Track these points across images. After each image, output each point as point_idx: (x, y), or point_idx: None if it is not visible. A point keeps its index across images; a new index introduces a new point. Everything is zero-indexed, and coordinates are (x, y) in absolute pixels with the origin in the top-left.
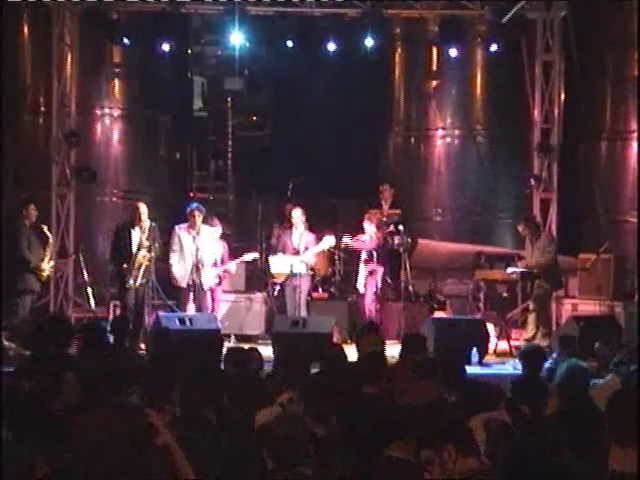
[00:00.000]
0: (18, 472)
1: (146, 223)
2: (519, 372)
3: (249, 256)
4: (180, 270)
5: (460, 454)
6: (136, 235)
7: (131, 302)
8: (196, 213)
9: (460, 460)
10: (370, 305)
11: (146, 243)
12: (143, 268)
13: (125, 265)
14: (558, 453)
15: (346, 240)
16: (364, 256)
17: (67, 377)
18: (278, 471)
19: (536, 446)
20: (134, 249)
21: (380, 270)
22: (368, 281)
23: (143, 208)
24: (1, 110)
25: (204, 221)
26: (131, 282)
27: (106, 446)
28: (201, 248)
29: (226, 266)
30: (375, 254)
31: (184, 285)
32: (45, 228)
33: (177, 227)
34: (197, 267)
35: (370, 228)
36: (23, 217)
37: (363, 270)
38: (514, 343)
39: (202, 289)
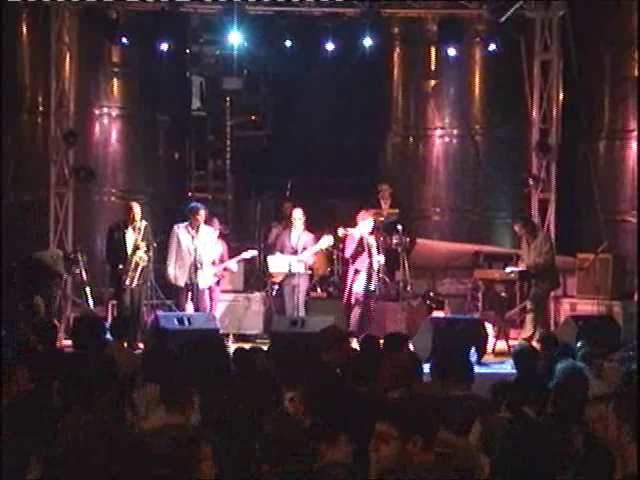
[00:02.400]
0: (13, 471)
1: (139, 223)
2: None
3: (248, 253)
4: (177, 269)
5: (423, 449)
6: (130, 235)
7: (127, 302)
8: (201, 212)
9: (420, 454)
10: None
11: (142, 243)
12: (140, 269)
13: (121, 265)
14: (559, 454)
15: (341, 232)
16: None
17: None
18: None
19: (537, 446)
20: (129, 249)
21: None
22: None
23: (137, 208)
24: (0, 110)
25: (205, 221)
26: (128, 282)
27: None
28: (200, 247)
29: (226, 264)
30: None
31: (182, 284)
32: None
33: (176, 226)
34: (195, 267)
35: (365, 222)
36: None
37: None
38: (512, 343)
39: (199, 289)
